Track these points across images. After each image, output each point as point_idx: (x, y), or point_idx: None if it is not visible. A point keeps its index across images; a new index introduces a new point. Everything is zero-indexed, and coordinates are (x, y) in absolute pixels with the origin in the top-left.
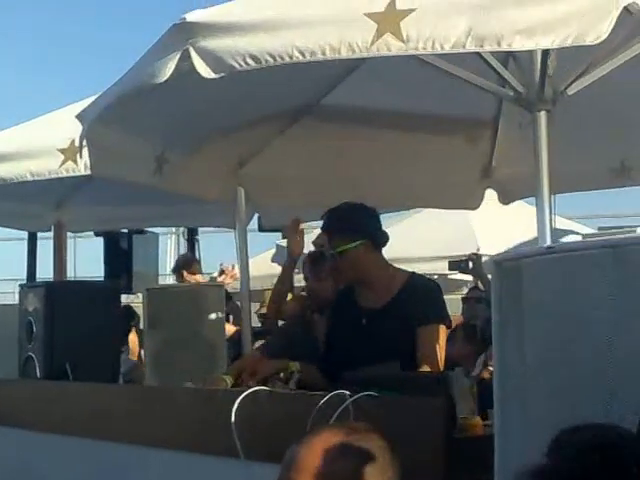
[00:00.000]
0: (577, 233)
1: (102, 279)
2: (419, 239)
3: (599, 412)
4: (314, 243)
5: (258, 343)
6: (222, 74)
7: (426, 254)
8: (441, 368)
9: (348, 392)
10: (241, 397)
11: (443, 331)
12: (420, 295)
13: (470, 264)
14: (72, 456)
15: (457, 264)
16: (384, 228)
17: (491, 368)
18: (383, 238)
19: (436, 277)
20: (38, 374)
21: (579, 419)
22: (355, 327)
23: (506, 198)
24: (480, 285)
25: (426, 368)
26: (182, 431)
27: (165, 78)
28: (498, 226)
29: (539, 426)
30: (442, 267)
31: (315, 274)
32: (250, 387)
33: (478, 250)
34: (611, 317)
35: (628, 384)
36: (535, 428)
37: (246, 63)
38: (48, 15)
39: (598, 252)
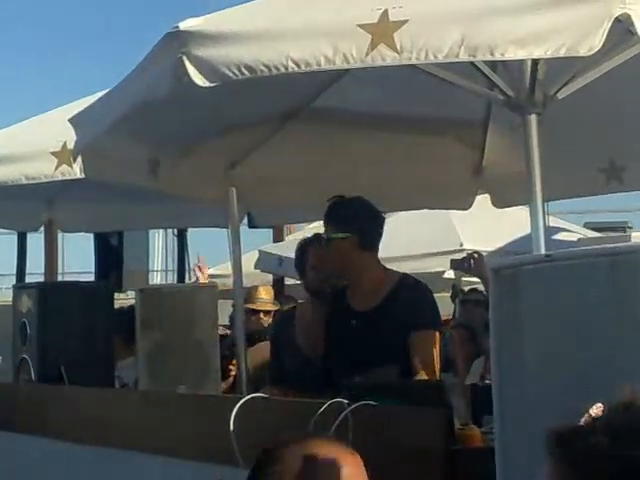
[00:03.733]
0: (569, 231)
1: (92, 275)
2: (400, 237)
3: None
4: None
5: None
6: (217, 83)
7: (406, 252)
8: (437, 375)
9: (347, 400)
10: (239, 404)
11: (437, 336)
12: (412, 298)
13: (472, 263)
14: (66, 460)
15: (460, 263)
16: None
17: None
18: (371, 240)
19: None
20: (33, 376)
21: None
22: (346, 328)
23: (500, 202)
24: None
25: (423, 375)
26: (180, 437)
27: (166, 93)
28: (479, 221)
29: (540, 435)
30: (424, 266)
31: (299, 269)
32: None
33: (461, 246)
34: (609, 324)
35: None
36: (536, 437)
37: (241, 73)
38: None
39: (595, 260)
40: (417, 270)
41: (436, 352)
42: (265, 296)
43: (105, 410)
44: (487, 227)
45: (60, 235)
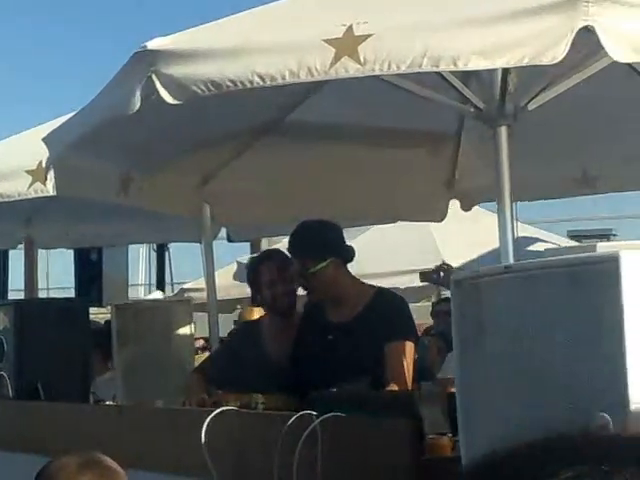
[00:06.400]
0: (544, 241)
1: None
2: (381, 252)
3: (563, 424)
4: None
5: None
6: (186, 100)
7: (388, 268)
8: (409, 385)
9: (315, 413)
10: (210, 417)
11: (410, 347)
12: (387, 310)
13: (442, 274)
14: None
15: (429, 275)
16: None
17: None
18: (350, 253)
19: (402, 289)
20: (10, 393)
21: (544, 432)
22: (322, 342)
23: (468, 204)
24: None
25: (394, 386)
26: (154, 451)
27: (134, 109)
28: (459, 235)
29: (503, 439)
30: (404, 281)
31: (282, 277)
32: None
33: (443, 262)
34: (567, 333)
35: (588, 396)
36: (499, 441)
37: (208, 89)
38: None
39: (554, 271)
40: (396, 285)
41: (408, 363)
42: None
43: (81, 425)
44: (468, 241)
45: (44, 252)
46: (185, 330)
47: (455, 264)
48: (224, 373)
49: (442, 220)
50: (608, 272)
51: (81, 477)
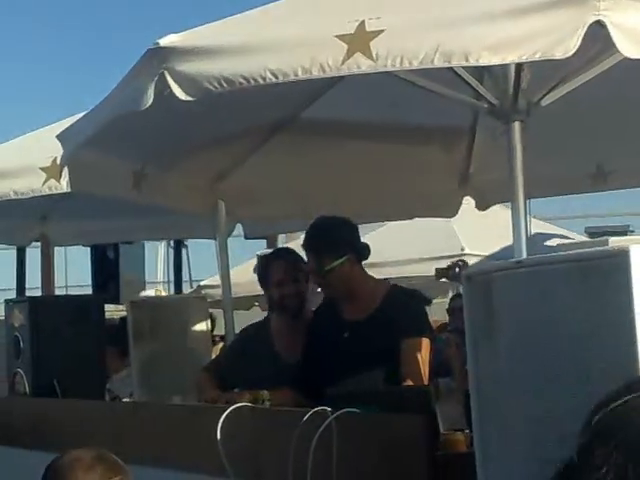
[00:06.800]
0: (560, 237)
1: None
2: (401, 242)
3: (576, 419)
4: (308, 269)
5: None
6: (198, 97)
7: (409, 256)
8: (425, 381)
9: (330, 409)
10: (225, 414)
11: (426, 343)
12: (402, 307)
13: (457, 270)
14: None
15: (444, 272)
16: (367, 232)
17: None
18: (366, 250)
19: (416, 282)
20: (27, 391)
21: (556, 428)
22: (337, 341)
23: (483, 204)
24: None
25: (410, 382)
26: (169, 448)
27: (147, 105)
28: (479, 225)
29: (517, 435)
30: (425, 269)
31: (291, 277)
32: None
33: (462, 250)
34: (578, 328)
35: (600, 390)
36: (513, 438)
37: (220, 85)
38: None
39: (564, 266)
40: (414, 274)
41: (424, 359)
42: None
43: (97, 422)
44: (487, 232)
45: (62, 250)
46: (201, 326)
47: (474, 254)
48: (233, 372)
49: (454, 216)
50: (618, 266)
51: (96, 468)
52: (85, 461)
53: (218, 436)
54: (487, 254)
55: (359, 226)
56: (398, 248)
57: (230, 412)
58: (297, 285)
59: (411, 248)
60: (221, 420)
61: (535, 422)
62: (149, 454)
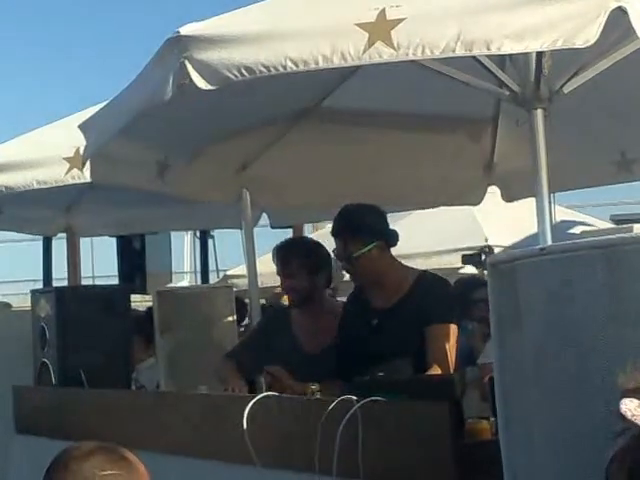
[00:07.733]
0: (586, 224)
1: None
2: (425, 233)
3: (600, 412)
4: (335, 254)
5: None
6: (218, 86)
7: (434, 248)
8: (451, 369)
9: (355, 397)
10: (251, 403)
11: (453, 330)
12: (429, 294)
13: (483, 257)
14: None
15: (471, 258)
16: (391, 224)
17: None
18: (395, 237)
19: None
20: (53, 381)
21: (580, 420)
22: (366, 328)
23: (509, 196)
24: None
25: (436, 369)
26: (196, 437)
27: (169, 96)
28: (503, 216)
29: (541, 424)
30: (450, 261)
31: (285, 272)
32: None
33: (486, 241)
34: (604, 316)
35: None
36: (538, 427)
37: (241, 74)
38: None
39: (589, 253)
40: (439, 266)
41: (451, 346)
42: None
43: (124, 412)
44: (511, 222)
45: (89, 240)
46: (227, 316)
47: (498, 245)
48: (256, 360)
49: (479, 204)
50: None
51: (92, 458)
52: (83, 450)
53: (244, 425)
54: (510, 244)
55: None
56: (420, 240)
57: (256, 401)
58: (291, 280)
59: (434, 240)
60: (247, 409)
61: (559, 411)
62: (175, 443)
